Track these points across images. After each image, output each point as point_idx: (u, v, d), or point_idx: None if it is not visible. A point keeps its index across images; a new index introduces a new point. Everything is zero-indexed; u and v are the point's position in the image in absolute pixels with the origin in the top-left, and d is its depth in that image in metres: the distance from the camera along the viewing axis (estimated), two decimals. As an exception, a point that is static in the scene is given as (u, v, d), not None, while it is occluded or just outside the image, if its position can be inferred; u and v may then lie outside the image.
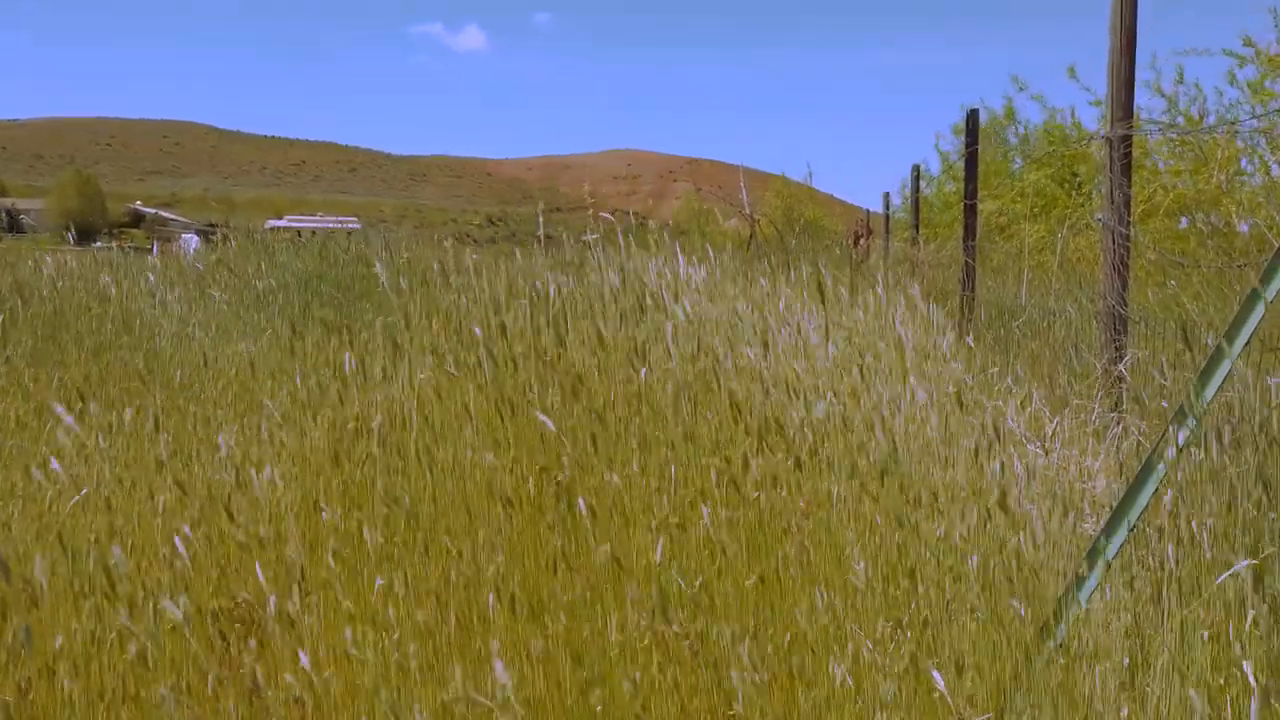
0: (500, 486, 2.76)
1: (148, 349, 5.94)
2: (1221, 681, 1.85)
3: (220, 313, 6.96)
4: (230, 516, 2.62)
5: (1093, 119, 9.75)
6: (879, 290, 5.35)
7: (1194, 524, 2.18)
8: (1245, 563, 1.92)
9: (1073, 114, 10.59)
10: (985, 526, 2.45)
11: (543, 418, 2.78)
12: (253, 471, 2.94)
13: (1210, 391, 2.14)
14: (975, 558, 2.29)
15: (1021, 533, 2.41)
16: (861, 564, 2.26)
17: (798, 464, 2.66)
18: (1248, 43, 6.66)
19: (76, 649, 2.16)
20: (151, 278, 8.18)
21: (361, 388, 3.66)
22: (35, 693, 2.05)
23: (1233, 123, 6.45)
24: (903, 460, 2.80)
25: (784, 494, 2.61)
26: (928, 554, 2.33)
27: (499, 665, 1.79)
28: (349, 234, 11.54)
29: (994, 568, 2.27)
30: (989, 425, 3.05)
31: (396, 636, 2.17)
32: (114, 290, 7.49)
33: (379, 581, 2.33)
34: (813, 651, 2.06)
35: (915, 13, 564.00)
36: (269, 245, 8.94)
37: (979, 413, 3.25)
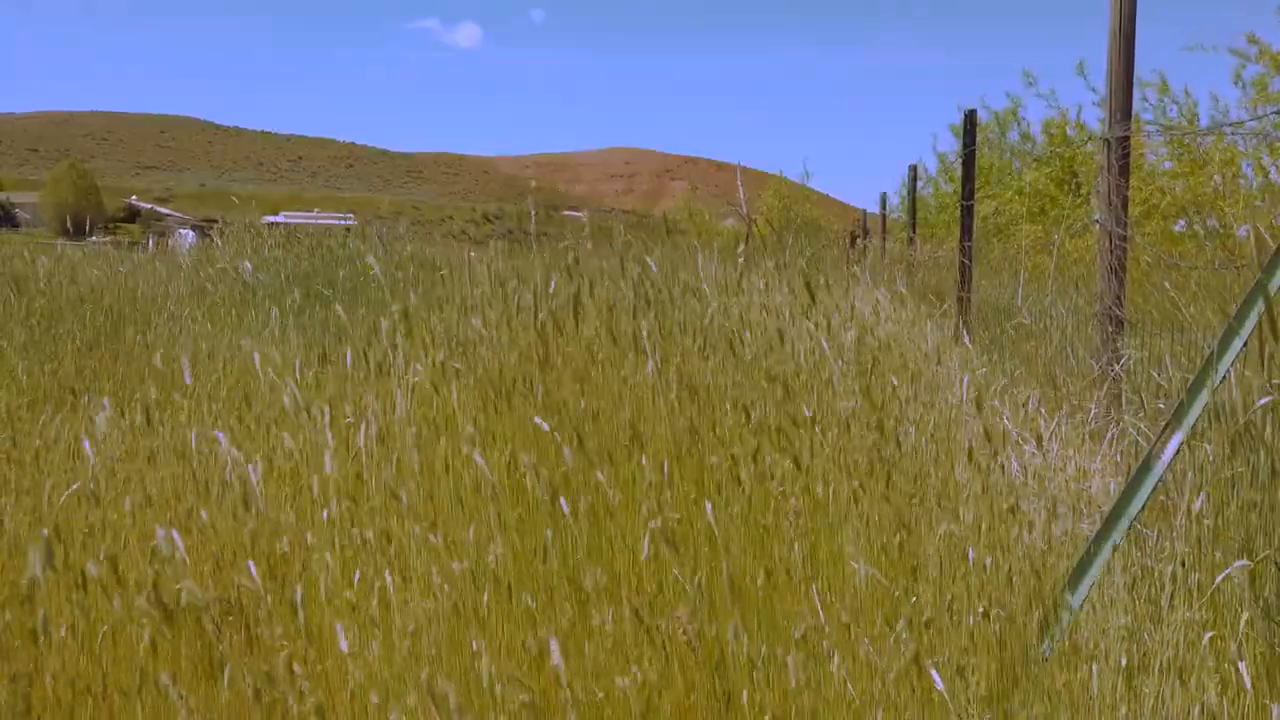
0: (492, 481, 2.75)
1: (141, 343, 5.92)
2: (1219, 682, 1.85)
3: (215, 308, 6.94)
4: (235, 513, 2.61)
5: (1096, 119, 9.75)
6: (874, 290, 5.35)
7: (1190, 524, 2.18)
8: (1242, 563, 1.92)
9: (1078, 113, 10.58)
10: (983, 525, 2.45)
11: (537, 419, 2.77)
12: (247, 466, 2.92)
13: (1211, 385, 2.14)
14: (975, 556, 2.28)
15: (1019, 532, 2.40)
16: (860, 562, 2.25)
17: (796, 463, 2.65)
18: (1251, 40, 6.65)
19: (70, 642, 2.15)
20: (146, 270, 8.16)
21: (359, 382, 3.65)
22: (24, 686, 2.03)
23: (1232, 124, 6.45)
24: (903, 458, 2.80)
25: (782, 489, 2.60)
26: (929, 552, 2.33)
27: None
28: (346, 230, 11.51)
29: (993, 567, 2.27)
30: (986, 425, 3.05)
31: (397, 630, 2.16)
32: (108, 284, 7.47)
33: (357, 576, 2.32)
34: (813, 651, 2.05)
35: (917, 13, 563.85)
36: (264, 240, 8.92)
37: (976, 412, 3.25)
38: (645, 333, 3.46)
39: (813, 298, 3.96)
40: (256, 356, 4.00)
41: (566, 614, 2.23)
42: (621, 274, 4.13)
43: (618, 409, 3.17)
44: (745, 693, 1.95)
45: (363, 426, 3.01)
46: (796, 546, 2.38)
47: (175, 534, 2.13)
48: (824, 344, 3.77)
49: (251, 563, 2.29)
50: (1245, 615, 1.91)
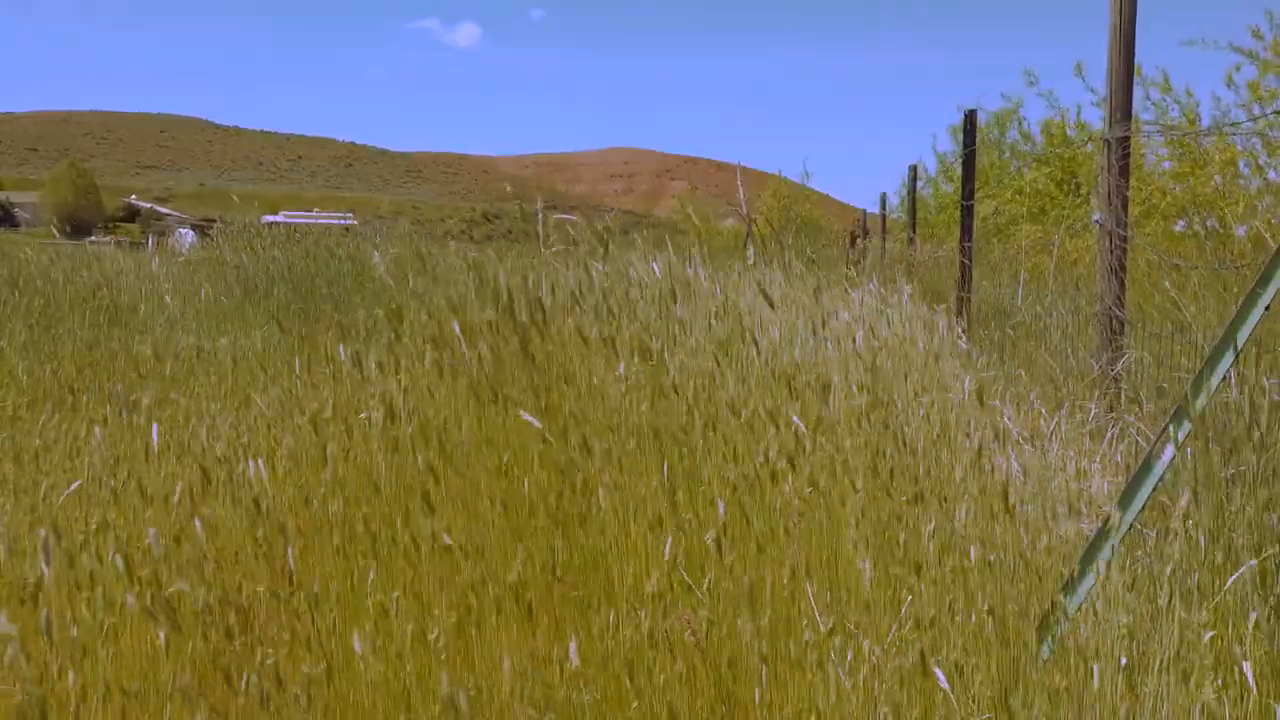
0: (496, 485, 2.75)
1: (140, 341, 5.91)
2: (1220, 683, 1.85)
3: (213, 307, 6.94)
4: (248, 512, 2.60)
5: (1096, 120, 9.72)
6: (874, 289, 5.35)
7: (1190, 524, 2.18)
8: (1251, 563, 1.92)
9: (1078, 113, 10.58)
10: (985, 525, 2.45)
11: (527, 416, 2.76)
12: (248, 463, 2.92)
13: (1212, 386, 2.14)
14: (975, 556, 2.28)
15: (1020, 532, 2.41)
16: (866, 561, 2.25)
17: (791, 464, 2.65)
18: (1256, 34, 6.63)
19: (74, 640, 2.14)
20: (145, 270, 8.16)
21: (357, 383, 3.64)
22: (32, 684, 2.03)
23: (1231, 125, 6.45)
24: (906, 457, 2.80)
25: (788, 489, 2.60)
26: (931, 552, 2.33)
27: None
28: (345, 229, 11.50)
29: (995, 566, 2.27)
30: (986, 424, 3.05)
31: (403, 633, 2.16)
32: (108, 284, 7.47)
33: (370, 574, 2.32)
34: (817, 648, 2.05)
35: (917, 13, 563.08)
36: (263, 240, 8.92)
37: (977, 411, 3.25)
38: (632, 334, 3.46)
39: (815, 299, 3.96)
40: (259, 345, 3.99)
41: (574, 620, 2.23)
42: (587, 282, 4.12)
43: (616, 410, 3.17)
44: (757, 692, 1.95)
45: (360, 426, 3.01)
46: (800, 547, 2.38)
47: (198, 525, 2.12)
48: (829, 345, 3.77)
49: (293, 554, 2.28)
50: (1254, 615, 1.91)
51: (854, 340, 3.92)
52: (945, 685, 1.80)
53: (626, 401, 3.19)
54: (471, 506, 2.69)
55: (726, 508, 2.38)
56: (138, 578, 2.09)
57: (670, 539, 2.33)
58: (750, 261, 4.71)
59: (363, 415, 3.16)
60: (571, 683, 1.89)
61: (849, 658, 1.97)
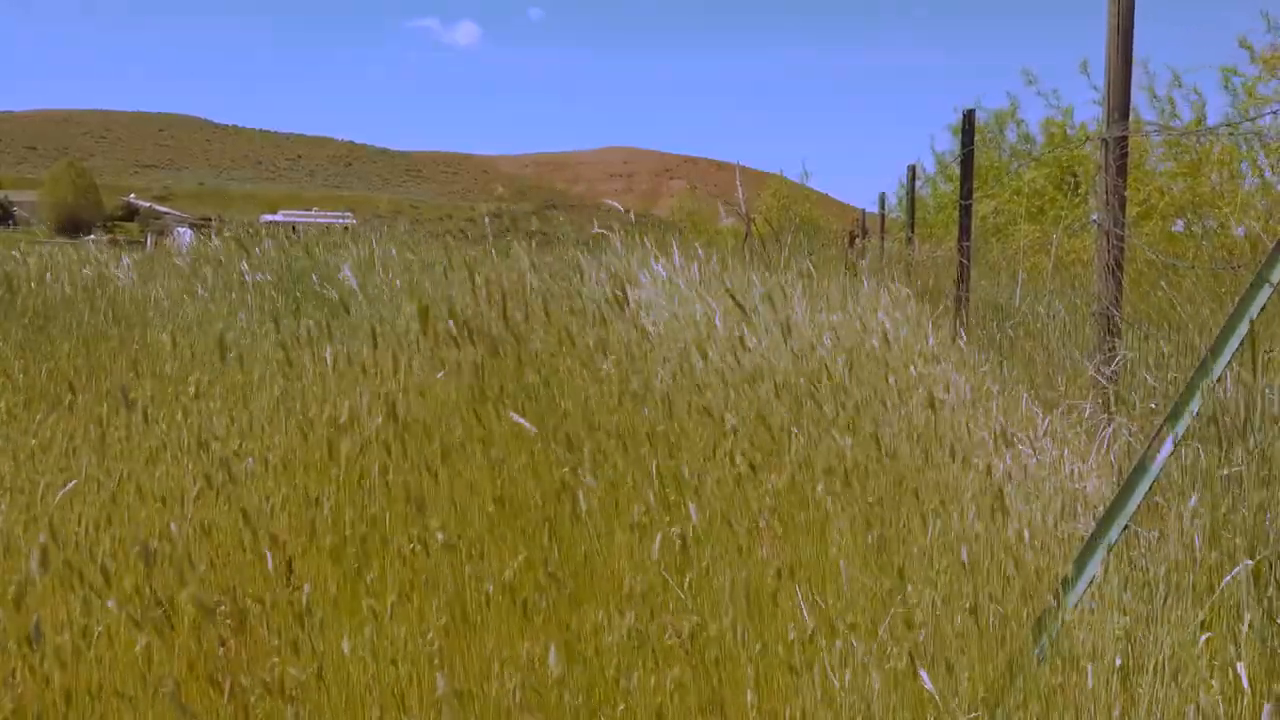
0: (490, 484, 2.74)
1: (137, 341, 5.91)
2: (1215, 683, 1.85)
3: (209, 307, 6.93)
4: (245, 514, 2.60)
5: (1095, 119, 9.70)
6: (871, 287, 5.35)
7: (1185, 524, 2.18)
8: (1246, 564, 1.91)
9: (1071, 113, 10.56)
10: (978, 526, 2.44)
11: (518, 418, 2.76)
12: (248, 462, 2.92)
13: (1205, 388, 2.13)
14: (968, 555, 2.28)
15: (1014, 532, 2.40)
16: (844, 563, 2.25)
17: (750, 467, 2.64)
18: (1244, 44, 6.67)
19: (65, 643, 2.14)
20: (141, 269, 8.15)
21: (356, 381, 3.64)
22: (23, 687, 2.03)
23: (1229, 125, 6.45)
24: (894, 458, 2.80)
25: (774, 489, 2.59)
26: (920, 553, 2.32)
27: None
28: (345, 229, 11.51)
29: (987, 567, 2.26)
30: (982, 424, 3.04)
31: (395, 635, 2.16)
32: (104, 283, 7.46)
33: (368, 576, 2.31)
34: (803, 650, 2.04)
35: (917, 13, 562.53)
36: (260, 240, 8.91)
37: (972, 411, 3.24)
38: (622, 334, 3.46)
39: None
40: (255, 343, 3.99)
41: (561, 619, 2.22)
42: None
43: (615, 412, 3.17)
44: (747, 693, 1.94)
45: (355, 426, 3.00)
46: (782, 548, 2.38)
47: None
48: (824, 343, 3.77)
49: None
50: (1248, 616, 1.90)
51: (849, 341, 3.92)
52: (930, 687, 1.80)
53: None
54: (462, 507, 2.68)
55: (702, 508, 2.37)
56: (129, 581, 2.08)
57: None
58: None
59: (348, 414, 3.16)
60: (561, 685, 1.88)
61: (827, 663, 1.96)
